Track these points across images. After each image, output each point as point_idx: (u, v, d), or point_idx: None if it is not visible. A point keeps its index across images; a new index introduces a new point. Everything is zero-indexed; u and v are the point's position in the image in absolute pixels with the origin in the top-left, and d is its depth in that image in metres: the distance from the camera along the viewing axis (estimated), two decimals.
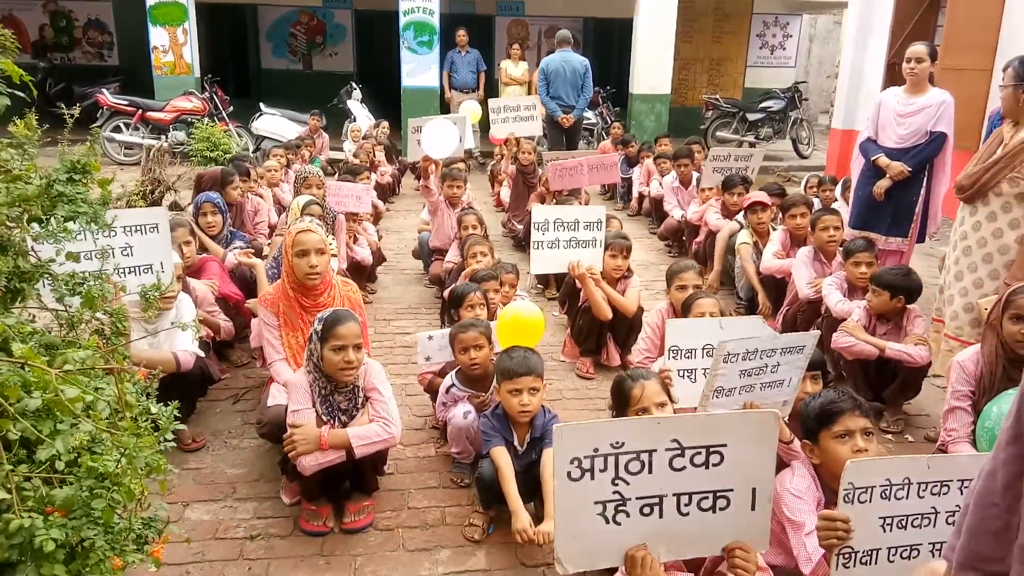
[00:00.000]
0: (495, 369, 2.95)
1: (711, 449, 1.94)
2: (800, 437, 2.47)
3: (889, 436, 3.85)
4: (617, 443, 1.88)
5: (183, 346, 3.39)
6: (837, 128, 10.96)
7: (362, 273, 5.84)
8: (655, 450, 1.91)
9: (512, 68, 12.39)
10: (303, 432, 2.82)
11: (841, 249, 4.54)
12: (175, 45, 12.17)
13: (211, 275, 4.42)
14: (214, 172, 5.61)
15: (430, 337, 3.66)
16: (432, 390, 3.70)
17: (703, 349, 3.16)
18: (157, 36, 11.97)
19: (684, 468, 1.94)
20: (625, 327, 4.51)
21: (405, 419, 3.92)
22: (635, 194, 8.80)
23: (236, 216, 5.68)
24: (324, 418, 2.92)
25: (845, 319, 4.03)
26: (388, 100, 12.93)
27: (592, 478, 1.89)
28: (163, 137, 11.43)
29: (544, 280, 6.18)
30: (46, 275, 1.94)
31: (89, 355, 1.30)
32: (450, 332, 3.37)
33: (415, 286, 6.32)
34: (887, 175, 5.26)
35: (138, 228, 2.98)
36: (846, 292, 4.34)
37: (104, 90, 11.78)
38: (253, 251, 4.76)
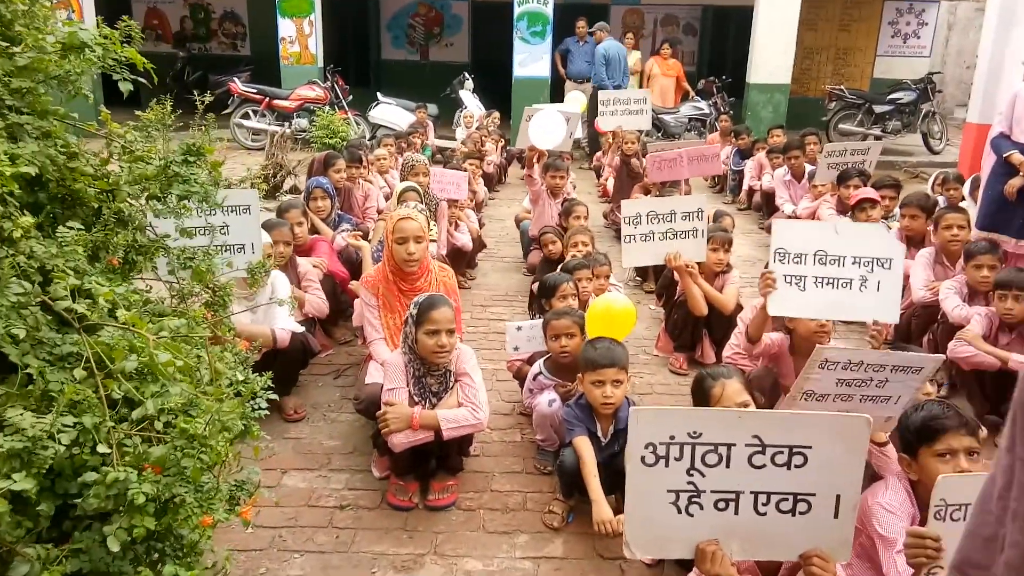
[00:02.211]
0: (581, 358, 2.96)
1: (794, 449, 1.87)
2: (898, 449, 2.34)
3: None
4: (695, 432, 1.85)
5: (281, 323, 3.58)
6: (972, 122, 10.16)
7: (462, 259, 5.96)
8: (734, 444, 1.87)
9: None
10: (396, 411, 2.92)
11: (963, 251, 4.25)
12: (301, 36, 12.74)
13: (320, 254, 4.64)
14: (322, 157, 5.87)
15: (519, 328, 3.71)
16: (521, 377, 3.76)
17: (814, 255, 2.99)
18: (285, 28, 12.56)
19: (764, 466, 1.89)
20: (722, 324, 4.39)
21: (494, 404, 3.99)
22: (745, 187, 8.51)
23: (345, 200, 5.91)
24: (416, 398, 3.02)
25: (963, 326, 3.77)
26: (500, 90, 13.06)
27: (667, 465, 1.87)
28: (287, 124, 12.04)
29: (643, 272, 6.10)
30: (161, 249, 2.10)
31: (184, 324, 1.42)
32: (544, 318, 3.39)
33: (514, 274, 6.39)
34: (1020, 173, 4.87)
35: (233, 208, 3.16)
36: (966, 297, 4.06)
37: (236, 79, 12.49)
38: (361, 233, 4.94)
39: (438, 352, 2.93)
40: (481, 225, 6.94)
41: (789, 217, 6.89)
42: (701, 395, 2.49)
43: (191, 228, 2.21)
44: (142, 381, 1.53)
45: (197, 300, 2.23)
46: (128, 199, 2.04)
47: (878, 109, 12.47)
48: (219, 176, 2.24)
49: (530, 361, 3.70)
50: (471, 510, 3.11)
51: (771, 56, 12.07)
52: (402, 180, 5.38)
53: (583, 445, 2.82)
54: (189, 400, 1.48)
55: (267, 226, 4.13)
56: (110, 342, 1.46)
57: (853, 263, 2.94)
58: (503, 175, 10.20)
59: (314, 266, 4.43)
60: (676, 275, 4.60)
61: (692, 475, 1.89)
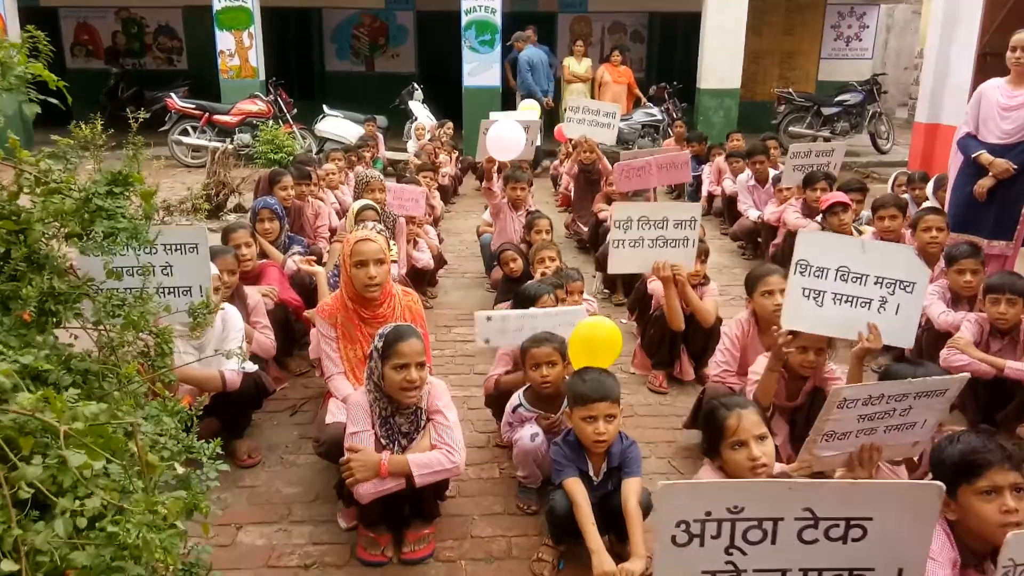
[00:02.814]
0: (566, 392, 2.71)
1: (852, 522, 1.64)
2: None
3: None
4: (735, 508, 1.61)
5: (230, 363, 3.25)
6: (921, 122, 10.31)
7: (422, 278, 5.68)
8: (782, 519, 1.63)
9: (575, 65, 12.12)
10: (362, 458, 2.63)
11: (943, 255, 4.14)
12: (241, 49, 12.28)
13: (270, 281, 4.31)
14: (267, 175, 5.53)
15: (488, 318, 3.41)
16: (499, 395, 3.45)
17: (837, 271, 2.85)
18: (224, 40, 12.09)
19: (816, 541, 1.65)
20: (701, 338, 4.21)
21: (467, 435, 3.70)
22: (704, 193, 8.41)
23: (295, 220, 5.57)
24: (383, 441, 2.72)
25: (950, 333, 3.64)
26: (450, 100, 12.80)
27: (701, 544, 1.62)
28: (229, 140, 11.57)
29: (610, 284, 5.91)
30: (85, 295, 1.79)
31: (103, 409, 1.12)
32: (522, 345, 3.13)
33: (476, 290, 6.13)
34: (989, 173, 4.81)
35: (178, 247, 2.83)
36: (949, 302, 3.95)
37: (172, 94, 11.97)
38: (314, 257, 4.60)
39: (408, 388, 2.65)
40: (440, 240, 6.66)
41: (755, 223, 6.79)
42: (714, 427, 2.26)
43: (121, 268, 1.90)
44: (61, 469, 1.22)
45: (132, 350, 1.92)
46: (43, 239, 1.73)
47: (826, 111, 12.61)
48: (151, 209, 1.93)
49: (507, 373, 3.43)
50: (451, 561, 2.82)
51: (720, 61, 12.09)
52: (356, 198, 5.07)
53: (575, 488, 2.57)
54: (106, 505, 1.18)
55: (215, 251, 3.79)
56: (14, 426, 1.15)
57: (875, 283, 2.79)
58: (458, 186, 9.93)
59: (264, 295, 4.10)
60: (650, 288, 4.40)
61: (732, 554, 1.65)
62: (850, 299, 2.82)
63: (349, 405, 2.78)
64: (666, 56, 16.52)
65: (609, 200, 6.79)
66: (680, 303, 4.13)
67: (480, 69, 11.95)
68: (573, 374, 2.77)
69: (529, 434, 2.99)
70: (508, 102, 12.17)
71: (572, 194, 7.72)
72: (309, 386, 4.25)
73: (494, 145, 5.51)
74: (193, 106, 11.72)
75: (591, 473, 2.66)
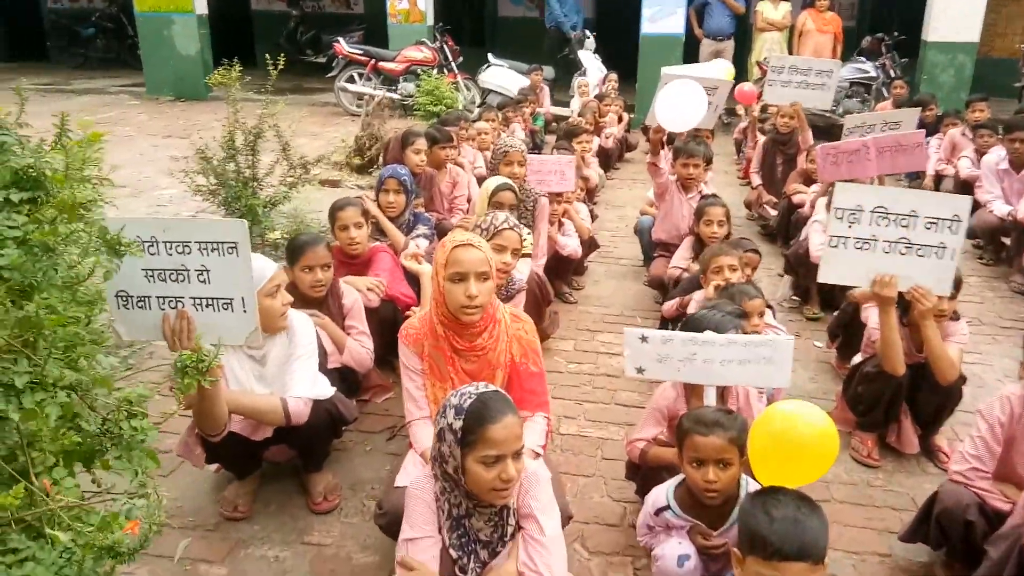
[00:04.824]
0: (742, 524, 1.74)
1: None
2: None
3: None
4: None
5: (299, 387, 2.55)
6: None
7: (568, 266, 4.79)
8: None
9: (770, 10, 10.52)
10: None
11: None
12: None
13: (380, 270, 3.61)
14: (400, 136, 4.82)
15: (644, 338, 2.47)
16: (646, 466, 2.56)
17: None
18: None
19: None
20: (935, 396, 3.03)
21: (595, 499, 2.86)
22: (931, 172, 6.77)
23: (426, 190, 4.85)
24: (453, 553, 1.91)
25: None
26: (624, 50, 11.59)
27: None
28: (394, 88, 11.15)
29: (802, 291, 4.72)
30: None
31: None
32: (680, 422, 2.18)
33: (632, 283, 5.16)
34: None
35: (214, 247, 2.13)
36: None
37: (341, 39, 11.68)
38: (422, 253, 3.73)
39: (501, 489, 1.81)
40: (594, 218, 5.72)
41: (1002, 220, 5.26)
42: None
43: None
44: None
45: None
46: None
47: None
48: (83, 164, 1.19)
49: (660, 441, 2.51)
50: None
51: (955, 7, 9.96)
52: (492, 171, 4.23)
53: None
54: None
55: (303, 241, 3.12)
56: None
57: None
58: (624, 151, 8.84)
59: (368, 289, 3.40)
60: (865, 317, 3.25)
61: None
62: None
63: (408, 496, 1.97)
64: (887, 3, 14.14)
65: (808, 180, 5.52)
66: (908, 342, 2.98)
67: (662, 14, 10.61)
68: (754, 496, 1.79)
69: (677, 554, 2.06)
70: (690, 54, 10.79)
71: (758, 164, 6.45)
72: None
73: (666, 111, 4.43)
74: (360, 52, 11.36)
75: None
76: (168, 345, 2.17)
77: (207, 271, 2.15)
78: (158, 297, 2.18)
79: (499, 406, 1.81)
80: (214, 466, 2.83)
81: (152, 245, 2.15)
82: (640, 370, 2.48)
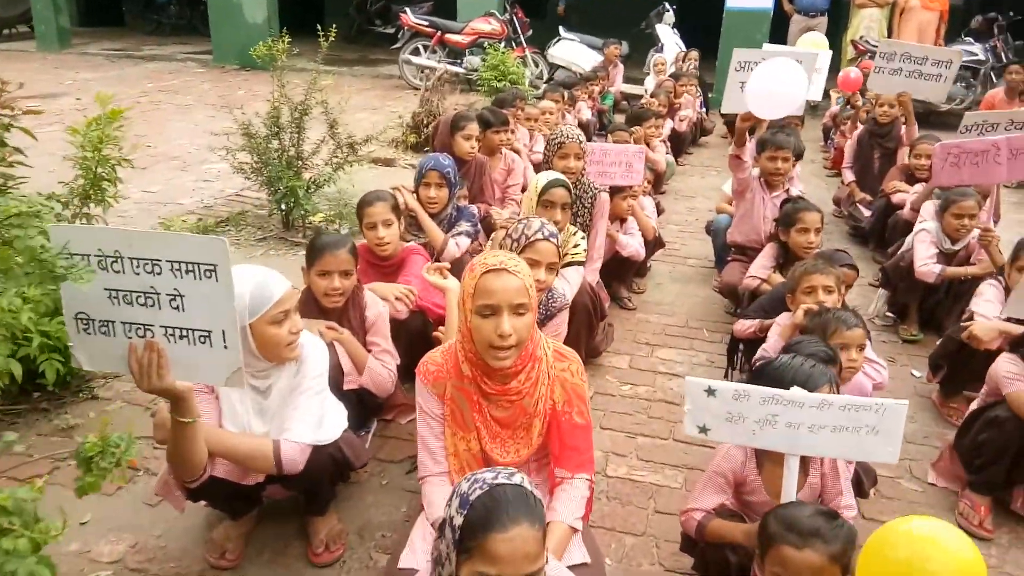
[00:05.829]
0: None
1: None
2: None
3: None
4: None
5: (298, 429, 2.15)
6: None
7: (629, 269, 4.30)
8: None
9: None
10: None
11: None
12: None
13: (412, 274, 3.20)
14: (450, 119, 4.39)
15: (710, 391, 1.98)
16: (703, 548, 2.11)
17: None
18: None
19: None
20: None
21: (644, 567, 2.41)
22: None
23: (476, 179, 4.41)
24: None
25: None
26: (706, 25, 10.83)
27: None
28: (459, 62, 10.72)
29: (899, 307, 4.11)
30: None
31: None
32: (767, 524, 1.70)
33: (699, 287, 4.63)
34: None
35: (189, 268, 1.73)
36: None
37: (407, 9, 11.29)
38: (447, 266, 3.22)
39: None
40: (660, 211, 5.17)
41: None
42: None
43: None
44: None
45: None
46: None
47: None
48: None
49: (722, 511, 2.04)
50: None
51: None
52: (545, 163, 3.75)
53: None
54: None
55: (323, 242, 2.73)
56: None
57: None
58: (698, 135, 8.20)
59: (397, 298, 3.00)
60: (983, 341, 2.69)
61: None
62: None
63: None
64: None
65: (911, 178, 4.85)
66: None
67: None
68: None
69: None
70: (778, 31, 9.96)
71: (852, 157, 5.76)
72: None
73: (757, 95, 3.84)
74: (426, 23, 10.95)
75: None
76: (135, 381, 1.80)
77: (180, 296, 1.76)
78: (124, 323, 1.81)
79: (514, 508, 1.36)
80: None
81: (116, 261, 1.78)
82: (703, 429, 1.99)
